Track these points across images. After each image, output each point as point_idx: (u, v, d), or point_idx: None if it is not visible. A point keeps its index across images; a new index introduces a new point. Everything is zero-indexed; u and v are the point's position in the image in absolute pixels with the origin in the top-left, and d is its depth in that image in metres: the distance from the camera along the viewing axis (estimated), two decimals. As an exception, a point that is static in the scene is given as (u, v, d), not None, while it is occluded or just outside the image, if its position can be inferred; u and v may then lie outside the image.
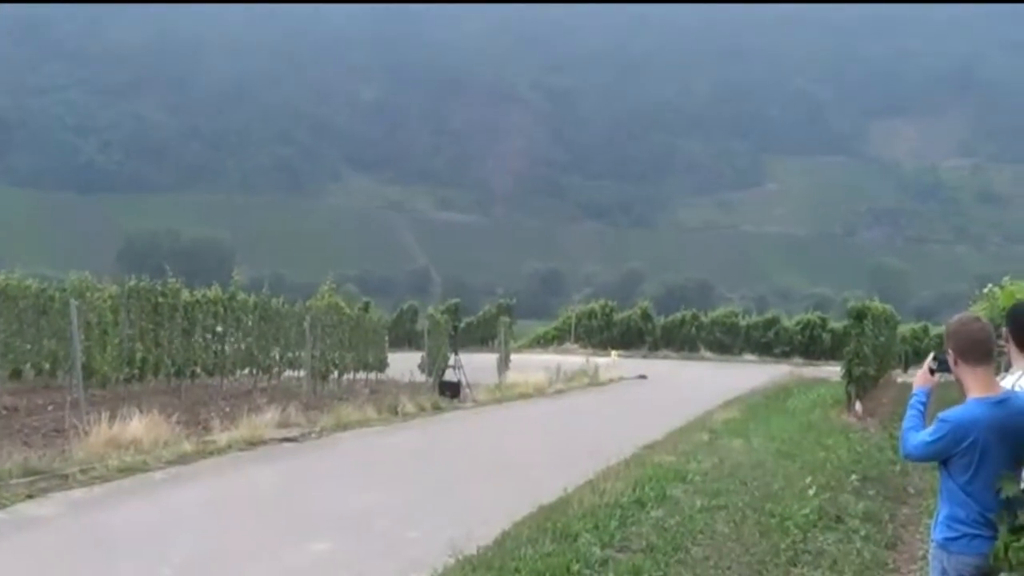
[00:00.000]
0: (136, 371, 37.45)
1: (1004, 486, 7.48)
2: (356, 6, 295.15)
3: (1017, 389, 7.75)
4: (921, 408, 8.03)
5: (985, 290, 19.61)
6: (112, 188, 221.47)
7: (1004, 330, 8.20)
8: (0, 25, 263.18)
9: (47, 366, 37.98)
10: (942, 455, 7.70)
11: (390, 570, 13.85)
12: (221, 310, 42.15)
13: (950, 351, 7.89)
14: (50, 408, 30.86)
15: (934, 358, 8.16)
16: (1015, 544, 7.25)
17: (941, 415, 7.73)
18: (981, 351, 7.79)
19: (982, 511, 7.56)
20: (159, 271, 41.57)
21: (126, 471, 21.73)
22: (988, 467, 7.54)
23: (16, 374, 37.52)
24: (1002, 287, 16.44)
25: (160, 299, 39.33)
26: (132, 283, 38.98)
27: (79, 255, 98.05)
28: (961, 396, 8.11)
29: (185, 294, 41.25)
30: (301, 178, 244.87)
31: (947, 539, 7.74)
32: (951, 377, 8.07)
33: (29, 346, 37.57)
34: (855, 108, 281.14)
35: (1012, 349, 8.14)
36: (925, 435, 7.78)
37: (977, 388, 7.70)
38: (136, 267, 47.66)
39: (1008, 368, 8.16)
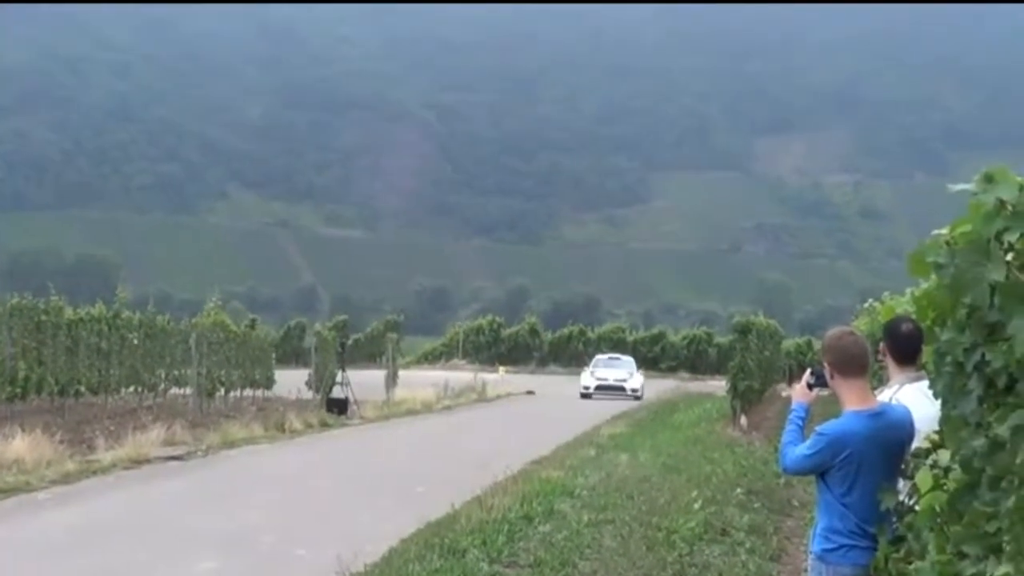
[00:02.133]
0: (18, 390, 37.15)
1: (883, 498, 7.59)
2: (242, 25, 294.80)
3: (893, 402, 7.88)
4: (800, 423, 8.14)
5: (866, 304, 19.87)
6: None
7: (881, 344, 8.33)
8: None
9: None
10: (819, 468, 7.80)
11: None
12: (105, 328, 41.94)
13: (827, 364, 8.01)
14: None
15: (812, 373, 8.28)
16: (895, 555, 7.34)
17: (818, 428, 7.84)
18: (857, 364, 7.92)
19: (859, 522, 7.66)
20: (42, 289, 41.38)
21: (8, 491, 21.62)
22: (865, 479, 7.64)
23: None
24: (882, 302, 16.65)
25: (43, 317, 39.09)
26: (14, 301, 38.70)
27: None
28: (839, 411, 8.26)
29: (69, 312, 41.03)
30: (187, 196, 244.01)
31: (825, 550, 7.84)
32: (829, 391, 8.20)
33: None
34: (741, 125, 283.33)
35: (889, 363, 8.27)
36: (803, 448, 7.89)
37: (853, 401, 7.82)
38: (18, 285, 47.35)
39: (886, 382, 8.27)
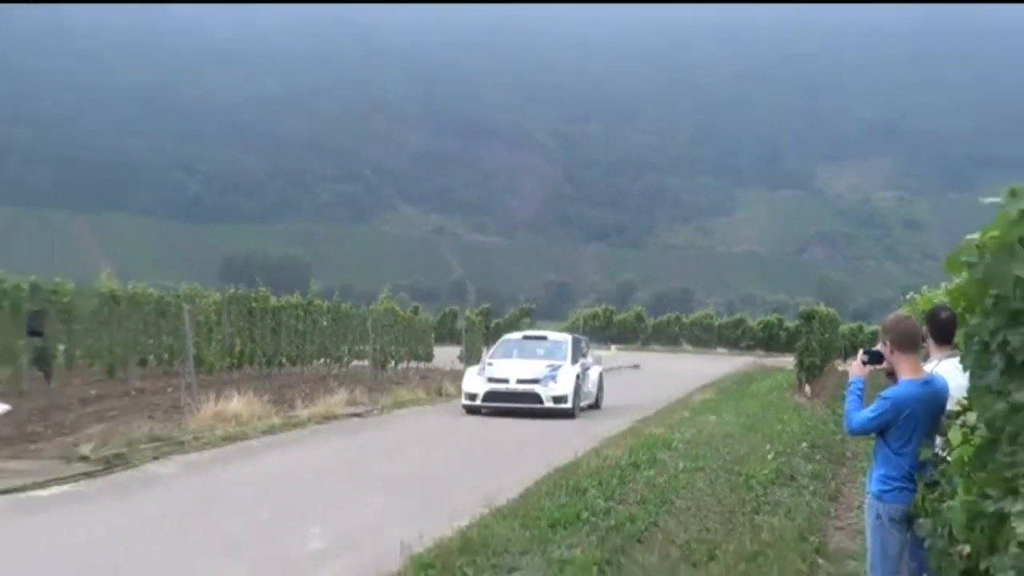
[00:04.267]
0: (235, 361, 37.82)
1: (922, 451, 7.67)
2: (403, 71, 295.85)
3: (935, 373, 7.96)
4: (859, 393, 8.22)
5: (908, 297, 19.70)
6: (214, 218, 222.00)
7: (924, 328, 8.37)
8: (134, 92, 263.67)
9: (166, 357, 38.23)
10: (883, 427, 7.90)
11: (439, 516, 13.95)
12: (301, 313, 42.42)
13: (888, 342, 8.09)
14: (169, 390, 31.02)
15: (865, 352, 8.36)
16: (930, 496, 7.40)
17: (882, 394, 7.94)
18: (912, 342, 8.08)
19: (909, 470, 7.76)
20: (252, 283, 41.77)
21: (229, 439, 21.98)
22: (916, 435, 7.75)
23: (143, 363, 37.90)
24: (921, 295, 16.53)
25: (253, 304, 39.67)
26: (231, 292, 39.26)
27: (188, 270, 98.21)
28: (886, 382, 8.32)
29: (273, 300, 41.51)
30: (364, 209, 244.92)
31: (882, 491, 7.97)
32: (879, 367, 8.26)
33: (152, 341, 38.01)
34: (806, 152, 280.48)
35: (931, 343, 8.32)
36: (868, 412, 8.01)
37: (909, 371, 7.93)
38: (234, 280, 47.72)
39: (927, 358, 8.32)
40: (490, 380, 30.16)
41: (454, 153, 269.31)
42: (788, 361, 51.09)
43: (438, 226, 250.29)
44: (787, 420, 25.92)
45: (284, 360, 41.53)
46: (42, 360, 30.11)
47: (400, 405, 31.82)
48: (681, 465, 18.21)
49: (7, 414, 25.24)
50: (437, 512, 14.59)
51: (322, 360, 44.48)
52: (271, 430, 24.10)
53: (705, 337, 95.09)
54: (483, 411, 29.75)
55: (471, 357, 49.72)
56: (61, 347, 33.01)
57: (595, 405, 32.69)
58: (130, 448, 19.89)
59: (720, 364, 62.45)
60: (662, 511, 14.03)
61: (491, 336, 60.77)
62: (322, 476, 18.25)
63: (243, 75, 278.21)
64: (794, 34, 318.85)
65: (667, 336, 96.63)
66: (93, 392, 31.29)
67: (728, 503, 14.80)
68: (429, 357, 53.51)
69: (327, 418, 27.08)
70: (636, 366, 61.09)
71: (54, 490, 16.44)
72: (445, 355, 53.08)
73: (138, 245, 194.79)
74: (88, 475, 17.62)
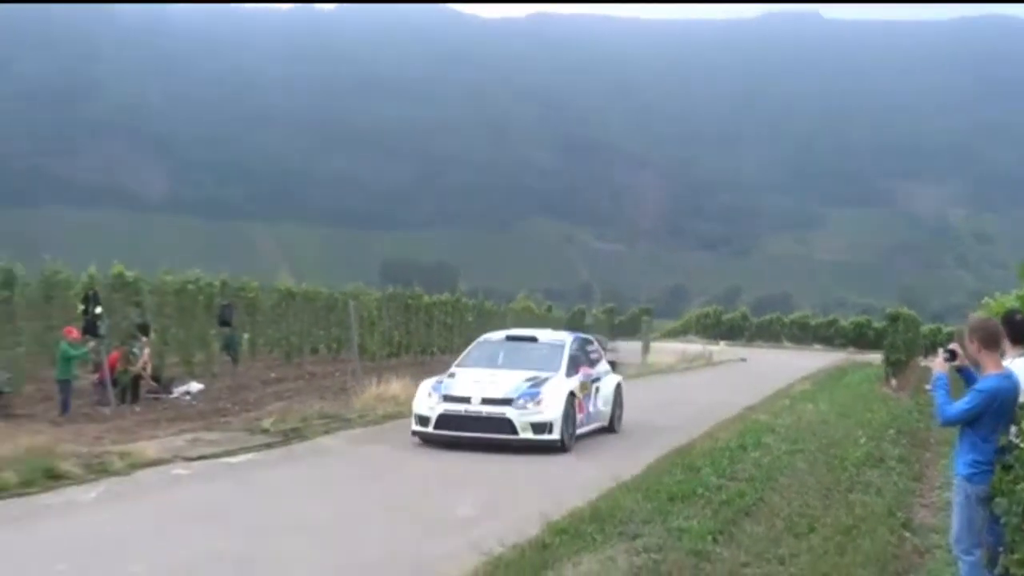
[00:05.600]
0: (394, 350, 38.28)
1: (999, 438, 7.66)
2: (540, 99, 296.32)
3: (1012, 368, 7.92)
4: (946, 387, 8.20)
5: (982, 302, 19.41)
6: (374, 226, 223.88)
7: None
8: (307, 115, 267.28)
9: (334, 346, 38.69)
10: (976, 416, 7.87)
11: (572, 488, 14.03)
12: (450, 309, 42.76)
13: (974, 340, 8.08)
14: (337, 374, 31.40)
15: (945, 351, 8.33)
16: (1006, 478, 7.38)
17: (976, 387, 7.93)
18: (996, 341, 8.10)
19: (993, 455, 7.75)
20: (408, 284, 42.16)
21: (388, 417, 22.15)
22: (999, 424, 7.74)
23: (315, 351, 38.43)
24: (993, 300, 16.32)
25: (409, 301, 40.19)
26: (390, 291, 39.69)
27: (352, 272, 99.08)
28: (956, 377, 8.33)
29: (426, 298, 41.89)
30: (504, 219, 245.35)
31: (971, 474, 7.98)
32: (953, 364, 8.25)
33: (322, 332, 38.52)
34: (889, 172, 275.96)
35: (1006, 343, 8.25)
36: (963, 404, 8.00)
37: (993, 367, 7.93)
38: (393, 281, 48.13)
39: (1002, 356, 8.26)
40: (446, 399, 18.56)
41: (582, 171, 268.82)
42: (876, 357, 50.47)
43: (568, 235, 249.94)
44: (876, 409, 25.65)
45: (436, 350, 41.87)
46: (230, 346, 30.69)
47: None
48: (783, 447, 18.19)
49: (201, 392, 25.81)
50: (572, 483, 14.69)
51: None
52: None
53: (802, 335, 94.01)
54: (436, 441, 18.57)
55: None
56: (246, 336, 33.74)
57: (609, 428, 21.59)
58: (304, 423, 20.34)
59: (816, 359, 61.60)
60: (767, 488, 14.01)
61: (615, 331, 60.67)
62: (470, 448, 18.38)
63: (400, 102, 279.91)
64: (878, 69, 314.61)
65: (769, 334, 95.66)
66: (273, 375, 31.88)
67: (825, 482, 14.74)
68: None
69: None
70: (743, 360, 60.54)
71: (241, 457, 16.92)
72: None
73: (310, 249, 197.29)
74: (269, 446, 18.08)
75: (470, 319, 44.88)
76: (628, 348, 51.93)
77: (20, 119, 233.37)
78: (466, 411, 18.38)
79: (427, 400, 18.93)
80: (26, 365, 24.42)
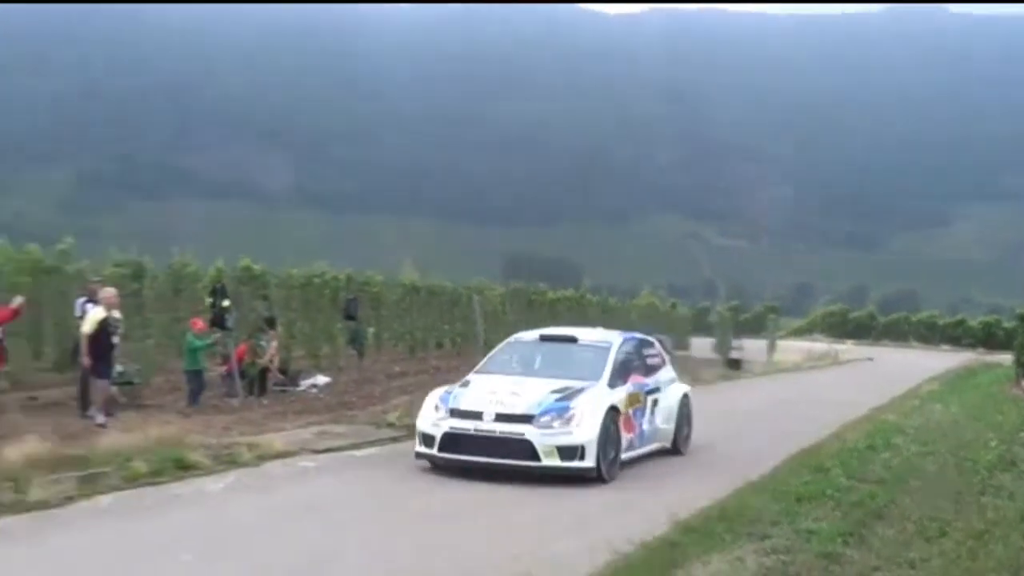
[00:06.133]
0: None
1: None
2: (662, 94, 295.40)
3: None
4: None
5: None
6: (498, 221, 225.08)
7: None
8: (434, 112, 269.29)
9: (458, 340, 38.93)
10: None
11: (717, 486, 13.95)
12: (574, 304, 42.80)
13: None
14: (461, 368, 31.50)
15: None
16: None
17: None
18: None
19: None
20: (531, 279, 42.30)
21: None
22: None
23: (439, 345, 38.67)
24: None
25: (532, 297, 40.22)
26: (514, 286, 39.80)
27: (475, 267, 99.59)
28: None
29: (550, 294, 41.97)
30: (627, 216, 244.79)
31: None
32: None
33: (446, 327, 38.75)
34: (1018, 166, 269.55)
35: None
36: None
37: None
38: (517, 276, 48.33)
39: None
40: (453, 413, 14.98)
41: (706, 168, 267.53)
42: (1006, 358, 49.55)
43: (691, 231, 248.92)
44: (1006, 412, 25.19)
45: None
46: (356, 340, 31.06)
47: (659, 389, 31.78)
48: (913, 449, 17.94)
49: (327, 385, 26.10)
50: (710, 484, 14.57)
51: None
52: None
53: (929, 335, 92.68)
54: (440, 464, 15.10)
55: (723, 348, 49.50)
56: (371, 330, 34.03)
57: (673, 448, 18.07)
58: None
59: (944, 359, 60.77)
60: (897, 490, 13.81)
61: (740, 329, 60.32)
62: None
63: (524, 98, 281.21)
64: (1006, 63, 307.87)
65: (896, 333, 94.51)
66: (397, 368, 32.13)
67: (956, 485, 14.46)
68: (685, 346, 53.35)
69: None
70: (869, 359, 59.88)
71: (366, 451, 17.06)
72: (699, 345, 53.01)
73: (434, 244, 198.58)
74: (394, 439, 18.12)
75: (593, 315, 44.83)
76: (753, 346, 51.66)
77: (149, 115, 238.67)
78: (476, 430, 14.58)
79: (432, 415, 15.16)
80: (155, 356, 24.91)
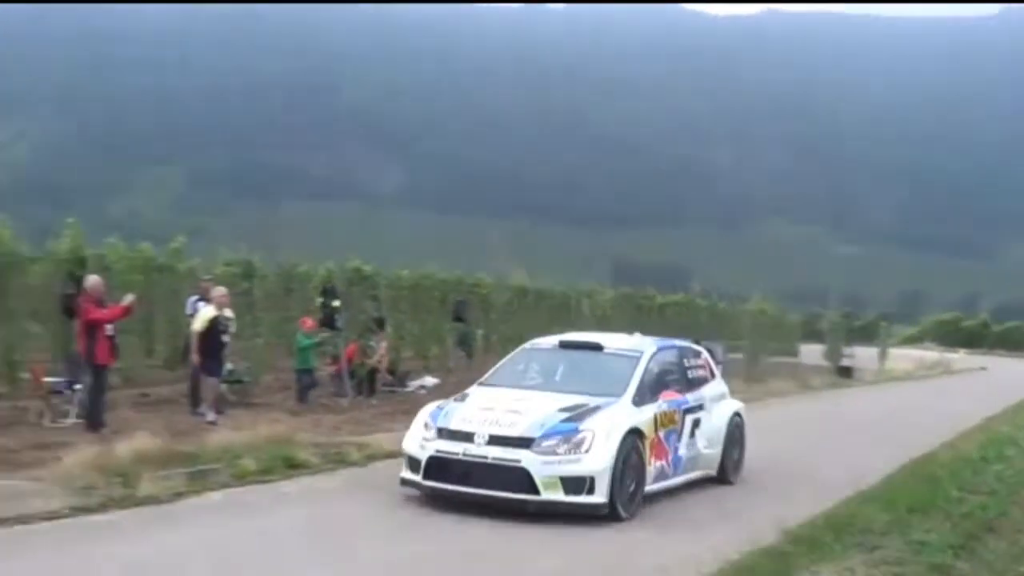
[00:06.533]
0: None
1: None
2: (772, 98, 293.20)
3: None
4: None
5: None
6: (606, 224, 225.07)
7: None
8: (536, 116, 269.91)
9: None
10: None
11: (811, 496, 13.82)
12: (683, 309, 42.70)
13: None
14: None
15: None
16: None
17: None
18: None
19: None
20: (640, 282, 42.29)
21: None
22: None
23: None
24: None
25: (641, 301, 40.12)
26: (622, 290, 39.84)
27: (584, 270, 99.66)
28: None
29: (659, 298, 41.91)
30: (737, 220, 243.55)
31: None
32: None
33: (556, 329, 38.78)
34: None
35: None
36: None
37: None
38: (624, 279, 48.31)
39: None
40: (441, 434, 12.69)
41: (812, 175, 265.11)
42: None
43: (802, 236, 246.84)
44: None
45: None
46: (465, 342, 31.28)
47: (773, 394, 31.60)
48: (1027, 462, 17.60)
49: (436, 386, 26.27)
50: (811, 489, 14.45)
51: (704, 352, 44.46)
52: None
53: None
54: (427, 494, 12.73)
55: (834, 355, 49.06)
56: (480, 332, 34.18)
57: (721, 476, 15.45)
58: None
59: (1063, 370, 59.69)
60: (1010, 502, 13.60)
61: (851, 336, 59.69)
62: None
63: (631, 100, 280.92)
64: None
65: (1011, 342, 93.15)
66: (505, 371, 32.18)
67: (1071, 498, 14.20)
68: (795, 353, 52.90)
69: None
70: (983, 368, 59.02)
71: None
72: (809, 352, 52.55)
73: (542, 247, 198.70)
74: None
75: (703, 319, 44.67)
76: (864, 354, 51.16)
77: (261, 117, 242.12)
78: (465, 454, 12.21)
79: (420, 433, 12.91)
80: (265, 355, 25.26)
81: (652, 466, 13.08)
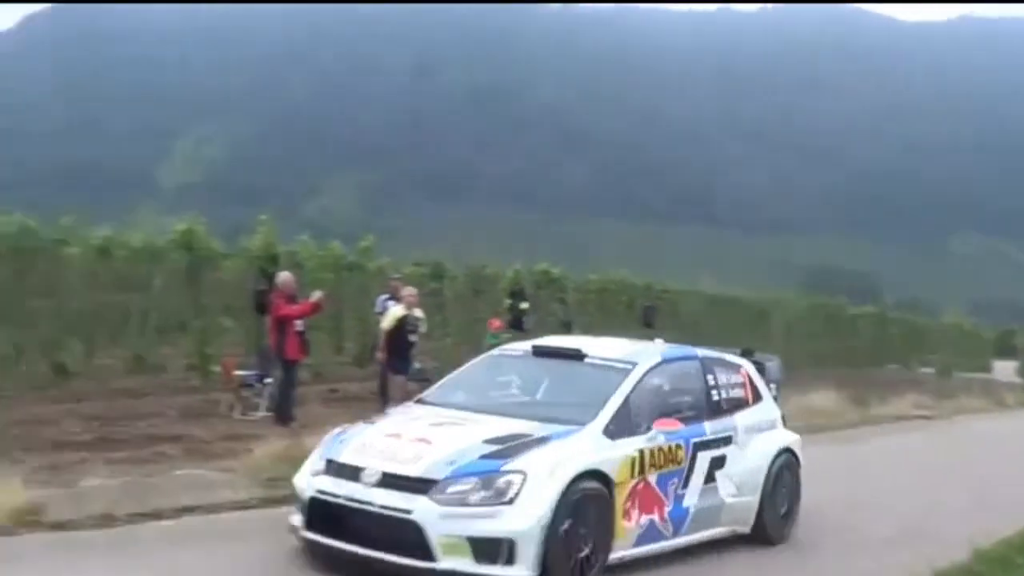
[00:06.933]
0: (817, 361, 37.63)
1: None
2: (967, 108, 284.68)
3: None
4: None
5: None
6: (800, 232, 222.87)
7: None
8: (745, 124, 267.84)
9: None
10: None
11: (993, 518, 13.21)
12: (876, 321, 42.07)
13: None
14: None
15: None
16: None
17: None
18: None
19: None
20: (832, 292, 41.77)
21: (815, 430, 21.61)
22: None
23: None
24: None
25: (832, 312, 39.52)
26: (813, 301, 39.35)
27: (774, 278, 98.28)
28: None
29: (849, 310, 41.32)
30: (931, 231, 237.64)
31: None
32: None
33: (751, 336, 38.33)
34: None
35: None
36: None
37: None
38: (815, 288, 47.70)
39: None
40: (329, 468, 8.94)
41: (1012, 183, 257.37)
42: None
43: (996, 249, 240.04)
44: None
45: (861, 362, 41.07)
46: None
47: (962, 411, 30.72)
48: None
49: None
50: (992, 512, 13.86)
51: (894, 365, 43.46)
52: (850, 424, 23.94)
53: None
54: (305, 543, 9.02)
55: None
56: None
57: (757, 533, 10.89)
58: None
59: None
60: None
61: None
62: (887, 463, 18.03)
63: (821, 104, 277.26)
64: None
65: None
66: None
67: None
68: (988, 370, 51.50)
69: (897, 418, 26.57)
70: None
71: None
72: (1003, 369, 51.10)
73: (727, 255, 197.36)
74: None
75: (895, 332, 43.86)
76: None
77: (452, 120, 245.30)
78: (347, 497, 8.57)
79: (311, 465, 9.36)
80: (453, 354, 25.39)
81: (632, 523, 9.31)
